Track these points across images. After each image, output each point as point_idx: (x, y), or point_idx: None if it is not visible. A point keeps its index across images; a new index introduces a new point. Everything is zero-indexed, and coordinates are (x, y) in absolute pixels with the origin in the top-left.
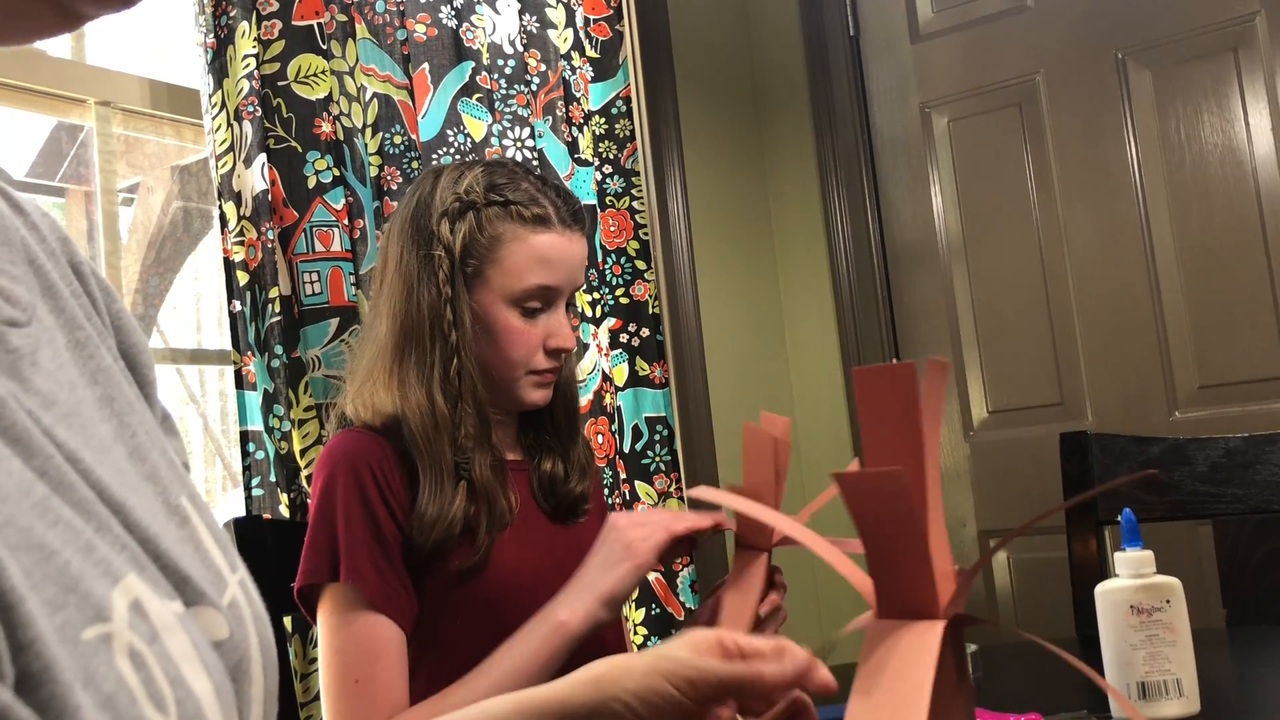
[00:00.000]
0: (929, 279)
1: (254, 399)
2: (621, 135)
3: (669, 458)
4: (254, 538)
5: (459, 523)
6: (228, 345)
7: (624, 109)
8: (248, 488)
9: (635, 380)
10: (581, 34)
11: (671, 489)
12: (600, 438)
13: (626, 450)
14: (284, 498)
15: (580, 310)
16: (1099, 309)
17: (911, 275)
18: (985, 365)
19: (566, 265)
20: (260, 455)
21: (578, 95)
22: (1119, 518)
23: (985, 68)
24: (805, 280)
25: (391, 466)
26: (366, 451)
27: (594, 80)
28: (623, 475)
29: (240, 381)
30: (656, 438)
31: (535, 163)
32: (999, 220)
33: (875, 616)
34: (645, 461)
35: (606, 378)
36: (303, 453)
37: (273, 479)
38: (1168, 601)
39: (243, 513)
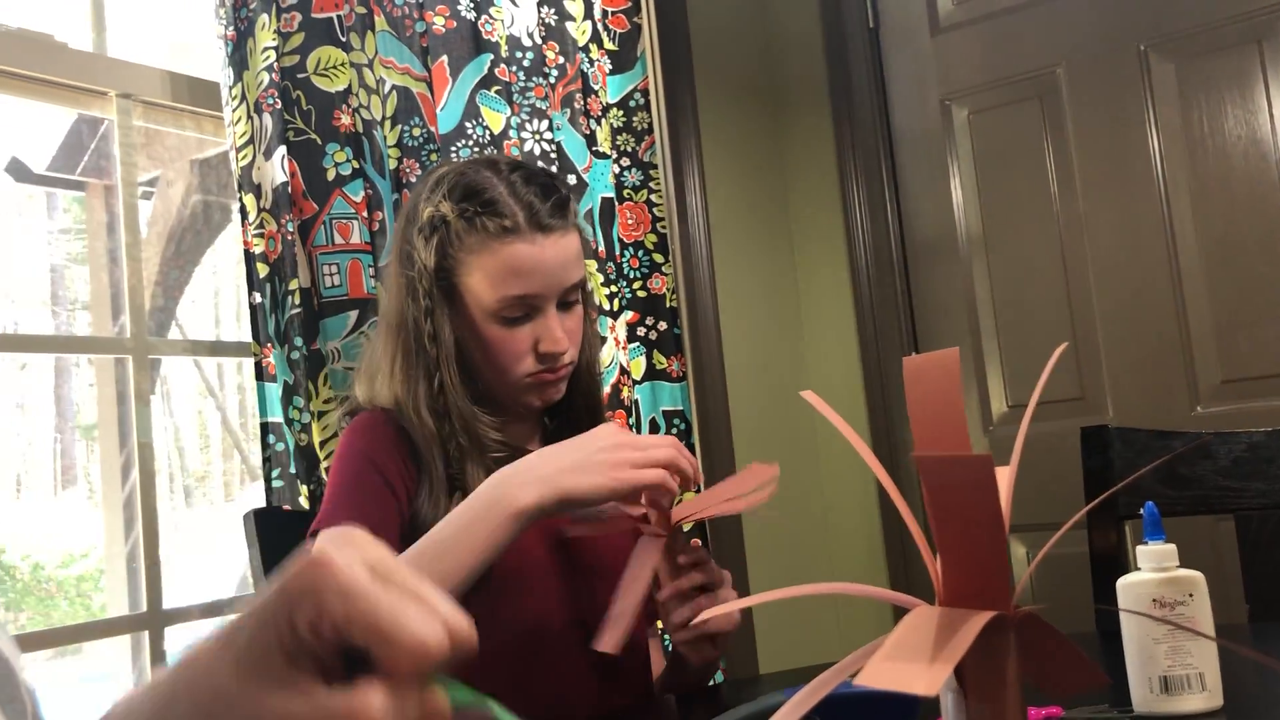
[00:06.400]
0: (948, 273)
1: (274, 391)
2: (639, 128)
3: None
4: (274, 529)
5: None
6: (246, 338)
7: (642, 102)
8: (268, 479)
9: (653, 374)
10: (600, 26)
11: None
12: None
13: None
14: (304, 489)
15: (599, 304)
16: (1120, 303)
17: (931, 269)
18: (1005, 359)
19: (541, 272)
20: (280, 447)
21: (596, 88)
22: (1140, 512)
23: (1006, 60)
24: (824, 274)
25: (396, 442)
26: (381, 425)
27: (612, 73)
28: None
29: (260, 373)
30: (674, 431)
31: (554, 155)
32: (1019, 214)
33: (939, 604)
34: None
35: (624, 371)
36: (322, 444)
37: (293, 470)
38: (1190, 595)
39: (263, 504)
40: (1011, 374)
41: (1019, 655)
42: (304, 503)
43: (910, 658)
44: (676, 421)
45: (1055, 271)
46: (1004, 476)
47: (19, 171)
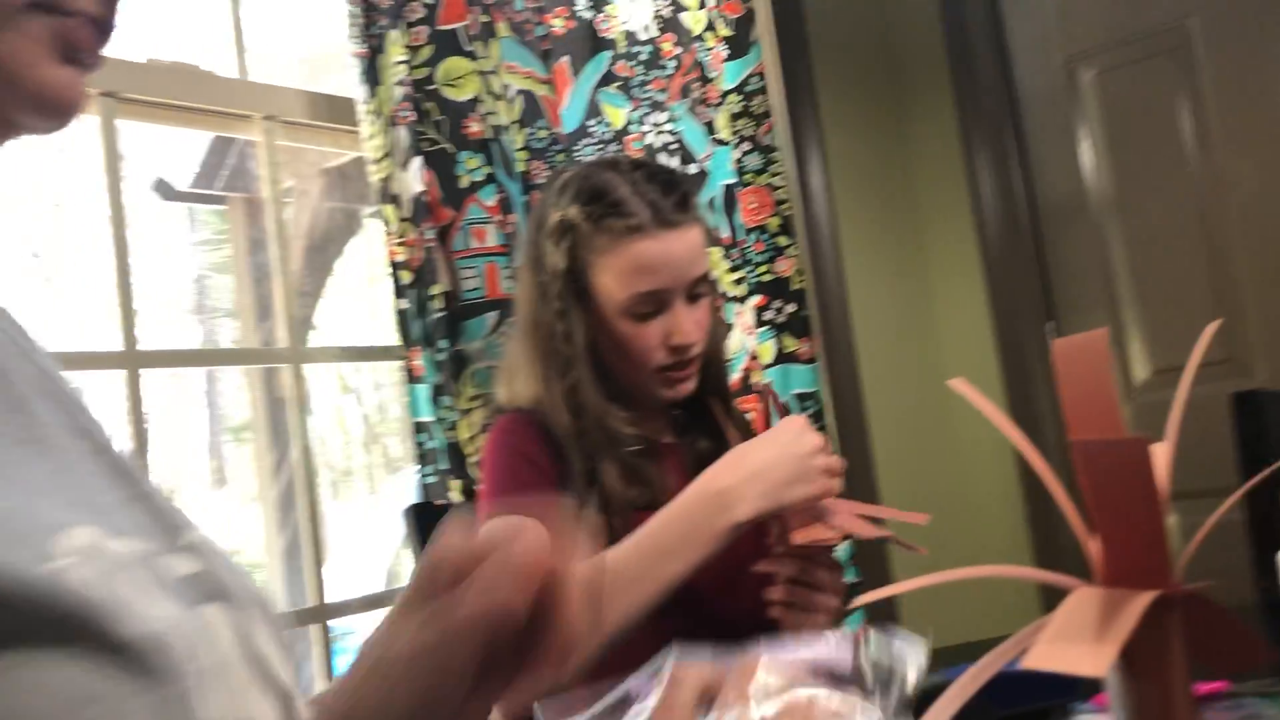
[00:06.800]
0: (1081, 237)
1: (423, 391)
2: (758, 111)
3: (820, 432)
4: (429, 523)
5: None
6: (384, 339)
7: (759, 85)
8: (421, 476)
9: (783, 357)
10: (714, 13)
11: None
12: (750, 415)
13: None
14: (455, 484)
15: (724, 290)
16: (1267, 261)
17: (1063, 234)
18: (1145, 323)
19: (668, 267)
20: (431, 445)
21: (713, 75)
22: None
23: (1134, 15)
24: (952, 245)
25: (547, 440)
26: (526, 426)
27: (728, 59)
28: None
29: (410, 375)
30: (807, 413)
31: (674, 146)
32: (1154, 173)
33: (1100, 583)
34: None
35: (753, 356)
36: (470, 440)
37: (444, 467)
38: None
39: (417, 500)
40: (1153, 339)
41: (1183, 632)
42: (456, 497)
43: (1076, 639)
44: (809, 403)
45: (1195, 231)
46: (1162, 453)
47: (164, 190)
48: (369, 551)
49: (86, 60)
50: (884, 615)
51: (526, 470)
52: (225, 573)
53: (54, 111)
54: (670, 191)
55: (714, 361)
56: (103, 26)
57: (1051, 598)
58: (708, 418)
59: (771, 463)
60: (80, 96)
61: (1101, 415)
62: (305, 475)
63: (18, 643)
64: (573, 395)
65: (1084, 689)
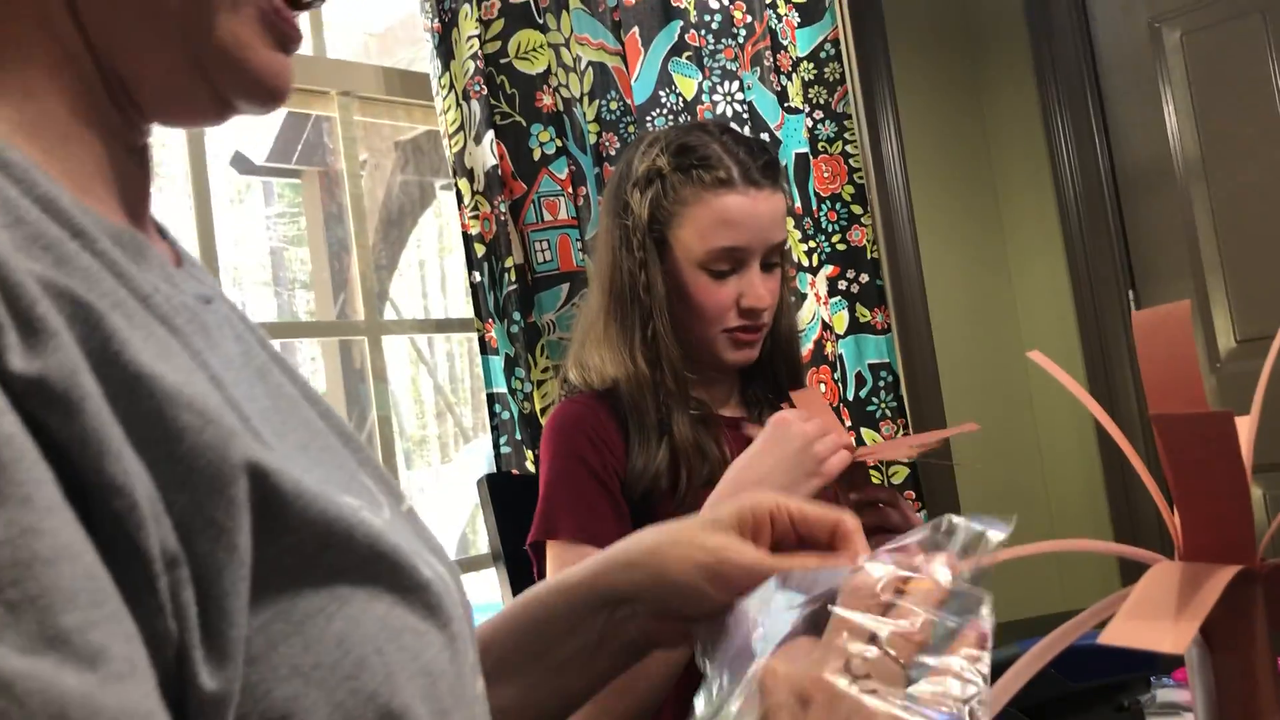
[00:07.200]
0: (1165, 203)
1: (497, 363)
2: (831, 79)
3: (894, 403)
4: (505, 491)
5: (663, 477)
6: (453, 309)
7: (832, 52)
8: (496, 446)
9: (856, 327)
10: None
11: (899, 435)
12: (823, 386)
13: (850, 398)
14: (529, 454)
15: (797, 259)
16: None
17: (1146, 201)
18: (1231, 291)
19: (752, 225)
20: (506, 415)
21: (785, 43)
22: None
23: None
24: (1030, 213)
25: (606, 426)
26: (580, 417)
27: (800, 26)
28: (848, 423)
29: (484, 347)
30: (881, 384)
31: (745, 115)
32: (1242, 137)
33: (1179, 559)
34: (870, 409)
35: (826, 326)
36: (543, 411)
37: (518, 437)
38: None
39: (492, 469)
40: (1238, 307)
41: (1267, 608)
42: (530, 466)
43: (1154, 615)
44: (883, 374)
45: None
46: (1244, 426)
47: (242, 164)
48: (443, 519)
49: (290, 46)
50: None
51: (581, 474)
52: (430, 537)
53: (269, 95)
54: (758, 155)
55: (786, 335)
56: (301, 11)
57: (1131, 573)
58: (775, 393)
59: (770, 470)
60: (291, 81)
61: (1183, 391)
62: (382, 444)
63: (348, 576)
64: (652, 344)
65: (1163, 663)
